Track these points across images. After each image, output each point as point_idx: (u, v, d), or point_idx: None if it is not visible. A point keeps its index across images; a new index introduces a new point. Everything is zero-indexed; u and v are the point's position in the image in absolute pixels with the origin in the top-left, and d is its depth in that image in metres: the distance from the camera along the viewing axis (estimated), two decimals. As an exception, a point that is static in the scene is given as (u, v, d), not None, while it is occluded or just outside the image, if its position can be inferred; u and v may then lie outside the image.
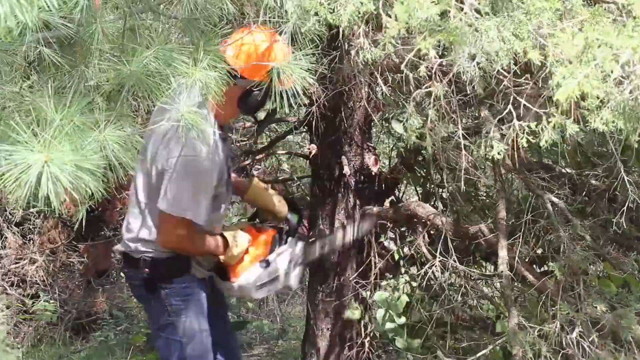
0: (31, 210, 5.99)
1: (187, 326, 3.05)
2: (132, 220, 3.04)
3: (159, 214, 2.91)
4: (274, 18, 2.05)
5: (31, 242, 6.28)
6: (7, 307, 6.02)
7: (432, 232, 3.95)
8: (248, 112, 3.02)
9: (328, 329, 4.16)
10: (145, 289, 3.08)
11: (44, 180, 1.62)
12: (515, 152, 2.44)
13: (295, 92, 2.09)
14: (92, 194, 1.74)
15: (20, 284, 6.18)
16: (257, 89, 2.76)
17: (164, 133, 2.83)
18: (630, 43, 1.78)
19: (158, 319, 3.12)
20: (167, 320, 3.08)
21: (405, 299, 3.93)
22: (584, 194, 3.72)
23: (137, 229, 3.01)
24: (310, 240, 3.71)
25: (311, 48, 2.09)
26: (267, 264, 3.08)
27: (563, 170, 3.83)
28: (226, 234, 3.06)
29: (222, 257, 3.04)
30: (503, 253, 3.34)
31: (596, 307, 3.23)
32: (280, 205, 3.27)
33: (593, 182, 3.66)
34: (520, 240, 3.42)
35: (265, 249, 3.11)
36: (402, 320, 3.90)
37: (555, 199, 3.39)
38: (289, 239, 3.18)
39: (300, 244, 3.20)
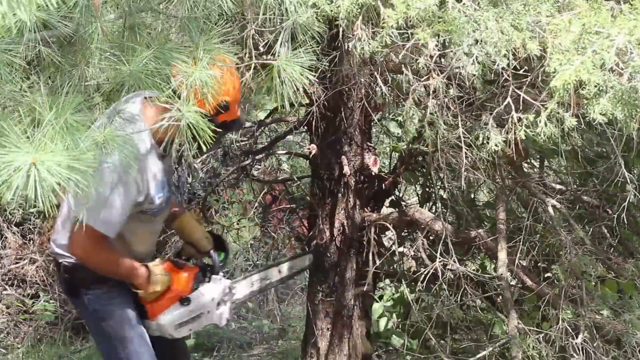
0: (31, 210, 5.99)
1: (114, 332, 2.99)
2: (59, 224, 2.99)
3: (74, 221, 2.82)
4: (273, 16, 2.05)
5: (31, 242, 6.28)
6: (7, 307, 6.02)
7: (431, 237, 3.95)
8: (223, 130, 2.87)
9: (328, 329, 4.15)
10: (68, 293, 3.09)
11: (31, 182, 1.60)
12: (514, 147, 2.43)
13: (295, 90, 2.09)
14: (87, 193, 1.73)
15: (20, 284, 6.18)
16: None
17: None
18: (626, 26, 1.77)
19: (89, 324, 3.11)
20: (95, 326, 3.06)
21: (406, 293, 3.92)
22: (583, 200, 3.74)
23: (60, 233, 2.97)
24: (243, 276, 3.67)
25: (311, 46, 2.09)
26: (188, 302, 3.00)
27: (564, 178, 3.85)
28: (152, 266, 2.97)
29: (140, 292, 2.96)
30: (502, 255, 3.33)
31: (599, 312, 3.23)
32: (204, 240, 3.20)
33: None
34: (520, 244, 3.41)
35: (186, 287, 3.03)
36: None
37: (557, 203, 3.39)
38: (213, 276, 3.10)
39: (225, 282, 3.12)
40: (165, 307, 2.99)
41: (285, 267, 3.93)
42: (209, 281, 3.09)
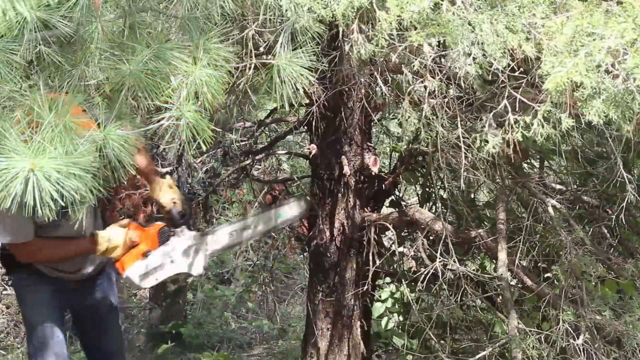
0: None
1: (28, 316, 3.29)
2: None
3: None
4: (273, 17, 2.05)
5: (31, 242, 6.27)
6: (7, 307, 6.02)
7: (431, 237, 3.95)
8: None
9: (328, 329, 4.15)
10: (6, 273, 3.47)
11: (29, 189, 1.60)
12: (511, 148, 2.43)
13: (295, 90, 2.09)
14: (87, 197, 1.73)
15: (21, 284, 6.17)
16: None
17: None
18: (617, 28, 1.77)
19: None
20: (19, 305, 3.39)
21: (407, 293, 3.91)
22: (583, 200, 3.74)
23: None
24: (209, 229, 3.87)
25: (311, 46, 2.09)
26: (146, 255, 3.25)
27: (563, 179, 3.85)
28: (100, 232, 3.22)
29: (98, 253, 3.20)
30: (502, 255, 3.32)
31: (599, 313, 3.22)
32: (165, 199, 3.36)
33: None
34: (520, 244, 3.41)
35: (153, 242, 3.28)
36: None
37: (557, 204, 3.39)
38: (175, 230, 3.33)
39: (188, 233, 3.35)
40: (131, 262, 3.24)
41: (272, 214, 4.03)
42: (173, 235, 3.33)
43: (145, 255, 3.25)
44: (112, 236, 3.20)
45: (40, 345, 3.22)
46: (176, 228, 3.34)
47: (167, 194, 3.36)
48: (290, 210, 4.11)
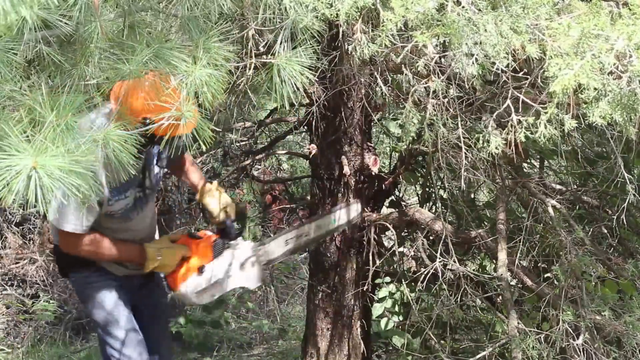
0: (31, 210, 5.99)
1: (98, 315, 3.13)
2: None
3: None
4: (273, 16, 2.05)
5: (31, 242, 6.29)
6: (7, 307, 6.02)
7: (431, 237, 3.95)
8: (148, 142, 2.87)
9: (328, 329, 4.16)
10: (61, 274, 3.32)
11: (31, 187, 1.60)
12: (513, 149, 2.43)
13: (295, 90, 2.09)
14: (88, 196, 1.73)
15: (20, 284, 6.19)
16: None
17: None
18: (625, 30, 1.77)
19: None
20: (84, 308, 3.28)
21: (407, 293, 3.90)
22: (583, 200, 3.74)
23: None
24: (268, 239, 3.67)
25: (311, 45, 2.09)
26: (202, 270, 3.08)
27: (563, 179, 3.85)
28: (149, 247, 3.06)
29: (146, 269, 3.05)
30: (502, 255, 3.32)
31: (599, 313, 3.22)
32: (219, 210, 3.20)
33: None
34: (520, 244, 3.41)
35: (206, 256, 3.11)
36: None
37: (557, 204, 3.38)
38: (230, 242, 3.16)
39: (245, 244, 3.18)
40: (184, 278, 3.07)
41: (326, 220, 3.84)
42: (228, 247, 3.15)
43: (200, 270, 3.08)
44: (163, 254, 3.06)
45: (120, 339, 3.10)
46: (231, 240, 3.16)
47: (218, 201, 3.19)
48: (344, 215, 3.94)
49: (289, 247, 3.58)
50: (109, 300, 3.11)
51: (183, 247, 3.09)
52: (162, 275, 3.16)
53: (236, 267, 3.15)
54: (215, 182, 3.27)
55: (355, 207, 3.97)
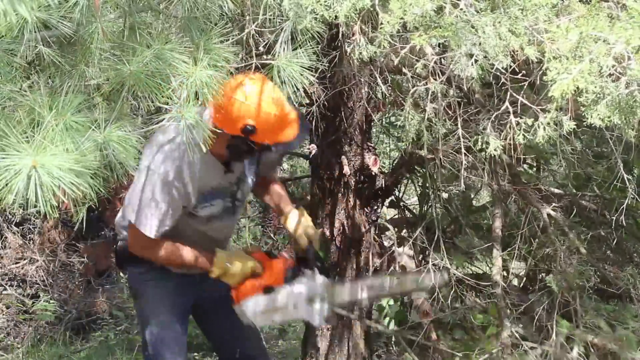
0: (31, 210, 5.99)
1: (143, 311, 3.13)
2: (126, 200, 3.03)
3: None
4: (273, 17, 2.05)
5: (31, 242, 6.29)
6: (7, 307, 6.02)
7: (431, 238, 3.94)
8: (233, 158, 2.86)
9: (328, 329, 4.16)
10: (118, 266, 3.44)
11: (31, 186, 1.60)
12: (512, 151, 2.44)
13: (295, 90, 2.10)
14: (87, 195, 1.74)
15: (20, 284, 6.19)
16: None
17: (156, 143, 2.80)
18: (623, 35, 1.78)
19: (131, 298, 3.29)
20: (133, 302, 3.31)
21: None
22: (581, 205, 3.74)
23: (122, 210, 3.07)
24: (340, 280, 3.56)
25: (311, 46, 2.09)
26: (270, 291, 2.99)
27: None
28: (220, 253, 2.98)
29: (213, 275, 2.98)
30: (497, 263, 3.32)
31: (594, 326, 3.21)
32: (303, 237, 3.09)
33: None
34: (516, 251, 3.41)
35: (277, 277, 3.01)
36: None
37: (552, 212, 3.38)
38: (306, 271, 3.04)
39: (320, 278, 3.04)
40: (249, 294, 2.98)
41: (410, 279, 3.70)
42: (302, 276, 3.04)
43: (266, 290, 2.98)
44: (233, 262, 2.96)
45: (157, 341, 3.04)
46: (308, 269, 3.04)
47: (304, 229, 3.08)
48: (427, 279, 3.72)
49: (363, 294, 3.42)
50: (159, 300, 3.06)
51: (256, 263, 3.01)
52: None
53: (303, 299, 3.02)
54: (302, 208, 3.17)
55: (439, 278, 3.73)
